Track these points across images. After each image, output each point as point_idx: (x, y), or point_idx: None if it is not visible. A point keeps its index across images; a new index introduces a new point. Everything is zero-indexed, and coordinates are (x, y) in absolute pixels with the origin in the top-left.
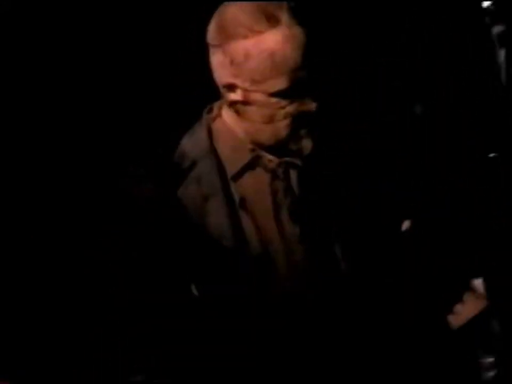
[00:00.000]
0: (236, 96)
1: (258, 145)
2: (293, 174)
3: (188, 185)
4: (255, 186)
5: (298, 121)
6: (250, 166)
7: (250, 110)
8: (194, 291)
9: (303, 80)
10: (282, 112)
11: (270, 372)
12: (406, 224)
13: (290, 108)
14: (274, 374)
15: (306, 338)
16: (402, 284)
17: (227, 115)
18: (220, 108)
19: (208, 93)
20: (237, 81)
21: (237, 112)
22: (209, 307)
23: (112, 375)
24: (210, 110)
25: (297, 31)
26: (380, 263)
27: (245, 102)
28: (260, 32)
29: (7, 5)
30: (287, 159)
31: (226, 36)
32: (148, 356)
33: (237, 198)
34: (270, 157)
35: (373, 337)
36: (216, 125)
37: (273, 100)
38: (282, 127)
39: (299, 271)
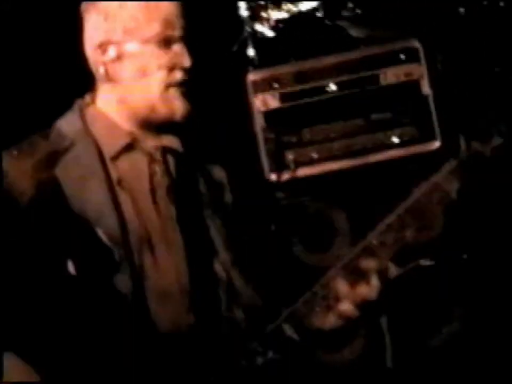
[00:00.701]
0: (108, 56)
1: (132, 120)
2: (170, 157)
3: (67, 164)
4: (132, 167)
5: (170, 77)
6: (128, 148)
7: (123, 66)
8: (72, 269)
9: (177, 35)
10: (156, 63)
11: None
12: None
13: (163, 59)
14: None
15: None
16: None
17: (101, 98)
18: (93, 97)
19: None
20: (111, 36)
21: (110, 80)
22: (87, 285)
23: None
24: (82, 98)
25: None
26: (250, 245)
27: (118, 58)
28: None
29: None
30: (163, 143)
31: None
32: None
33: (115, 178)
34: (147, 140)
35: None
36: (90, 111)
37: (147, 48)
38: (154, 81)
39: (176, 248)
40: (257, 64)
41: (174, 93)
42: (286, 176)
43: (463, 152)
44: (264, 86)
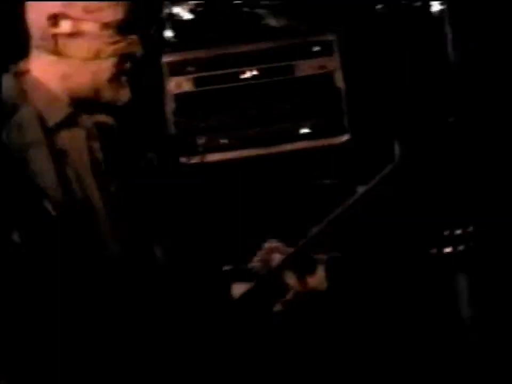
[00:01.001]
0: (61, 29)
1: (73, 96)
2: (106, 134)
3: (12, 129)
4: (72, 141)
5: (121, 65)
6: (67, 121)
7: (76, 44)
8: (17, 238)
9: (136, 23)
10: (111, 48)
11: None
12: None
13: (120, 46)
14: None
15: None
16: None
17: (39, 68)
18: (28, 64)
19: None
20: (68, 11)
21: (56, 53)
22: (32, 254)
23: None
24: (16, 64)
25: None
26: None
27: (72, 34)
28: None
29: None
30: (100, 119)
31: None
32: None
33: (57, 149)
34: (85, 115)
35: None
36: (27, 79)
37: (105, 32)
38: (105, 66)
39: (118, 224)
40: (174, 46)
41: (121, 80)
42: (195, 160)
43: (397, 159)
44: (179, 69)
